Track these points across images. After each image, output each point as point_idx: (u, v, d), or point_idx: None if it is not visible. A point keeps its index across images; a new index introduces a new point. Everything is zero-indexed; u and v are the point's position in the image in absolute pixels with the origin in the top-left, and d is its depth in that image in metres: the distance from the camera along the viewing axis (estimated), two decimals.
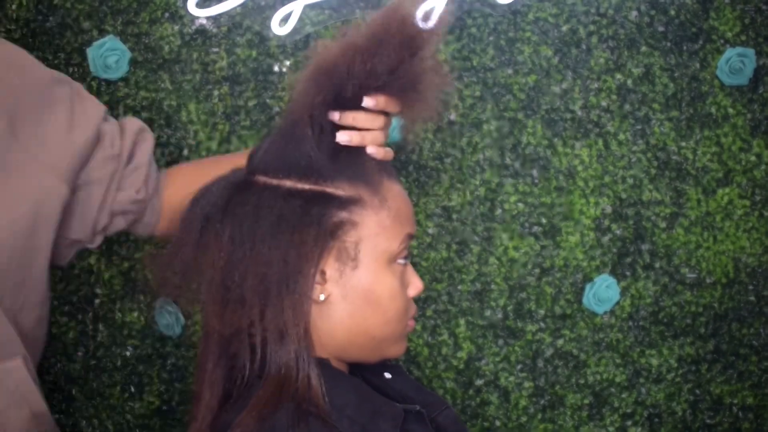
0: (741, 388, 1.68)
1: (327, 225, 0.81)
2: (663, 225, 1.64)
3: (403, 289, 0.87)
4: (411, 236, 0.89)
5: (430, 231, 1.62)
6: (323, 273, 0.83)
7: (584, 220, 1.63)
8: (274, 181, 0.84)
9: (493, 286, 1.63)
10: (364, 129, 0.86)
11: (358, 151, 0.86)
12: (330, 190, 0.83)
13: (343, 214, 0.82)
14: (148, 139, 1.17)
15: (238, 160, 1.00)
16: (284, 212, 0.81)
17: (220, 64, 1.52)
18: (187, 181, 1.08)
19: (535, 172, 1.62)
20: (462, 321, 1.63)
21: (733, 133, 1.62)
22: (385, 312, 0.85)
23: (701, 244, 1.64)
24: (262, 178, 0.85)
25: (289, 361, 0.81)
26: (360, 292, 0.84)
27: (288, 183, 0.83)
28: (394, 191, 0.87)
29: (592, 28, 1.59)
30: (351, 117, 0.86)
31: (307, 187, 0.83)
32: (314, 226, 0.81)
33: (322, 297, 0.83)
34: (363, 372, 0.96)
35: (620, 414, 1.68)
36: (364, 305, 0.84)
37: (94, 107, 1.16)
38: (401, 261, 0.87)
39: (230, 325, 0.82)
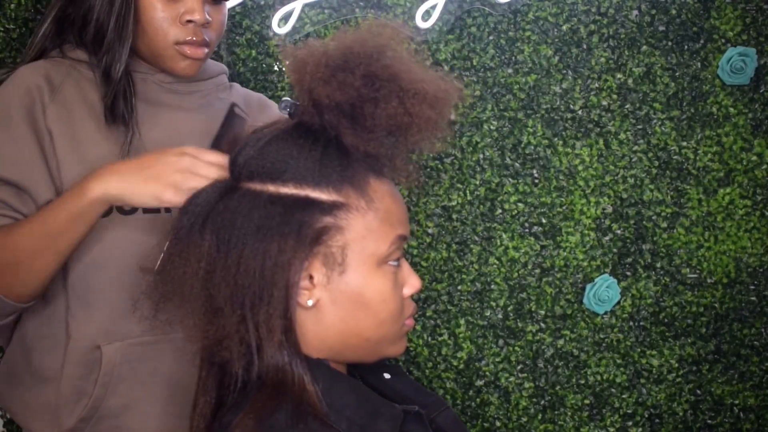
0: (742, 388, 1.68)
1: (308, 232, 0.79)
2: (664, 225, 1.63)
3: (396, 290, 0.85)
4: (403, 238, 0.86)
5: (430, 231, 1.61)
6: (311, 278, 0.81)
7: (585, 220, 1.62)
8: (258, 187, 0.82)
9: (493, 286, 1.63)
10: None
11: (344, 152, 0.84)
12: (313, 194, 0.81)
13: (328, 219, 0.80)
14: None
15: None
16: (264, 220, 0.79)
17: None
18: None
19: (535, 172, 1.61)
20: (462, 321, 1.63)
21: (734, 133, 1.62)
22: (376, 314, 0.84)
23: (702, 244, 1.64)
24: (245, 185, 0.84)
25: (284, 366, 0.80)
26: (349, 296, 0.82)
27: (271, 188, 0.82)
28: (382, 191, 0.85)
29: (592, 27, 1.58)
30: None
31: (289, 192, 0.81)
32: (293, 234, 0.78)
33: (310, 303, 0.81)
34: (362, 372, 0.95)
35: (621, 414, 1.67)
36: (354, 309, 0.83)
37: None
38: (393, 263, 0.85)
39: (211, 335, 0.81)
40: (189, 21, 1.08)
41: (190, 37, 1.09)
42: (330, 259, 0.82)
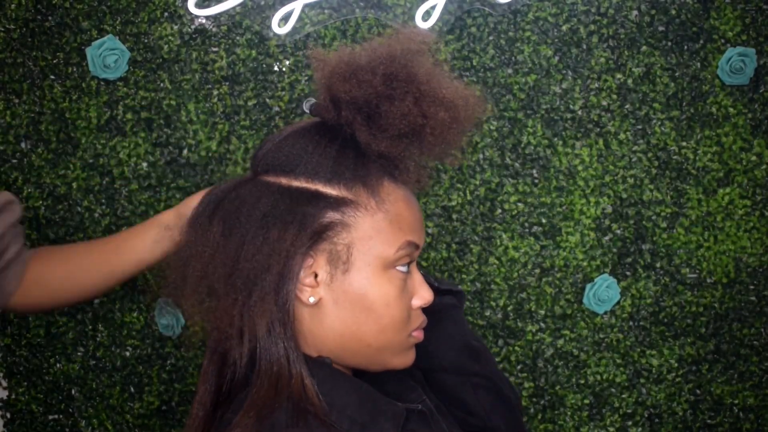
0: (742, 388, 1.68)
1: (311, 225, 0.80)
2: (663, 225, 1.63)
3: (402, 297, 0.84)
4: (414, 246, 0.85)
5: (430, 231, 1.61)
6: (315, 275, 0.81)
7: (584, 220, 1.62)
8: (271, 179, 0.83)
9: (493, 286, 1.63)
10: None
11: (360, 152, 0.84)
12: (323, 189, 0.81)
13: (334, 215, 0.80)
14: (14, 211, 1.26)
15: (107, 245, 1.10)
16: (270, 209, 0.80)
17: (220, 63, 1.52)
18: (55, 261, 1.26)
19: (535, 172, 1.61)
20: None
21: (733, 133, 1.62)
22: (378, 319, 0.83)
23: (702, 244, 1.64)
24: (260, 177, 0.84)
25: (281, 359, 0.80)
26: (352, 296, 0.82)
27: (283, 181, 0.82)
28: (396, 195, 0.85)
29: (592, 27, 1.58)
30: None
31: (300, 185, 0.82)
32: (295, 225, 0.79)
33: (311, 300, 0.81)
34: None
35: (621, 414, 1.67)
36: (356, 311, 0.82)
37: None
38: (401, 268, 0.85)
39: (210, 320, 0.82)
40: None
41: None
42: (335, 257, 0.82)
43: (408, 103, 0.81)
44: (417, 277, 0.88)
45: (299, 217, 0.80)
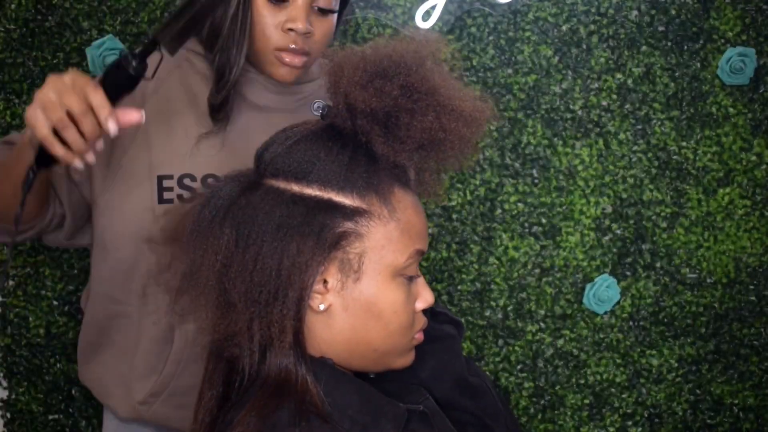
0: (742, 388, 1.68)
1: (328, 236, 0.79)
2: (663, 225, 1.63)
3: (408, 302, 0.84)
4: (421, 253, 0.86)
5: (430, 231, 1.61)
6: (325, 282, 0.81)
7: (584, 220, 1.62)
8: (282, 185, 0.82)
9: (493, 286, 1.63)
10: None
11: (372, 159, 0.84)
12: (337, 198, 0.80)
13: (349, 225, 0.80)
14: None
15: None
16: (285, 219, 0.79)
17: None
18: None
19: (535, 172, 1.61)
20: (462, 321, 1.63)
21: (733, 133, 1.62)
22: (387, 325, 0.83)
23: (702, 244, 1.64)
24: (269, 182, 0.83)
25: (288, 365, 0.80)
26: (362, 304, 0.82)
27: (295, 188, 0.81)
28: (406, 202, 0.85)
29: (592, 27, 1.59)
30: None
31: (313, 193, 0.81)
32: (313, 236, 0.79)
33: (321, 307, 0.81)
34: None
35: (620, 414, 1.67)
36: (365, 318, 0.83)
37: None
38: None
39: (222, 329, 0.81)
40: (290, 29, 1.10)
41: (290, 45, 1.11)
42: (346, 266, 0.82)
43: (430, 118, 0.80)
44: (419, 281, 0.89)
45: (316, 229, 0.79)
